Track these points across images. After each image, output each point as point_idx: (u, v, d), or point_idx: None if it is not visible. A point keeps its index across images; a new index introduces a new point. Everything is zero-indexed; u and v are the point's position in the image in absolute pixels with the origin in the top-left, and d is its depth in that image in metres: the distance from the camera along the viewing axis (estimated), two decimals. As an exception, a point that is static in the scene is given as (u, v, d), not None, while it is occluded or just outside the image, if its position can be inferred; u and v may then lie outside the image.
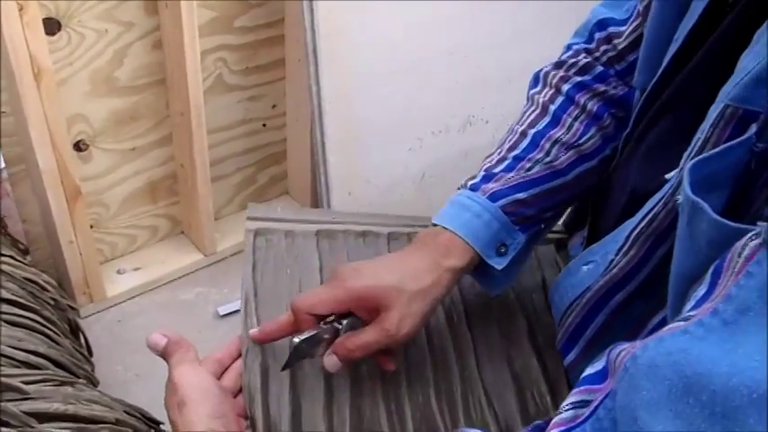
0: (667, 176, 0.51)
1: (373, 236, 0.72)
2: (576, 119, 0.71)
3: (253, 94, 1.52)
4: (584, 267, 0.62)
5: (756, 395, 0.30)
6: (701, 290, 0.38)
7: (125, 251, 1.53)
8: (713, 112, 0.46)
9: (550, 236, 0.86)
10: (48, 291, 1.08)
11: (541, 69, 0.76)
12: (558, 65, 0.75)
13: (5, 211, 1.34)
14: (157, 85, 1.37)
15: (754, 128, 0.43)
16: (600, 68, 0.72)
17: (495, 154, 0.72)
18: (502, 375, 0.72)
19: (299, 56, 1.45)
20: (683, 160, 0.50)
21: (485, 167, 0.70)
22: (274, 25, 1.46)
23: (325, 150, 1.44)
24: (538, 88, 0.75)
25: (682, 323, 0.36)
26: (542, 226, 0.72)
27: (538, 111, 0.73)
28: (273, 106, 1.57)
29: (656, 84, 0.59)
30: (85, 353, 1.12)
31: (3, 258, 1.03)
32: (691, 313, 0.36)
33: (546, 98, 0.73)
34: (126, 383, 1.30)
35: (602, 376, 0.41)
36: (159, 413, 1.09)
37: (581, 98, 0.71)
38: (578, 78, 0.72)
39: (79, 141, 1.32)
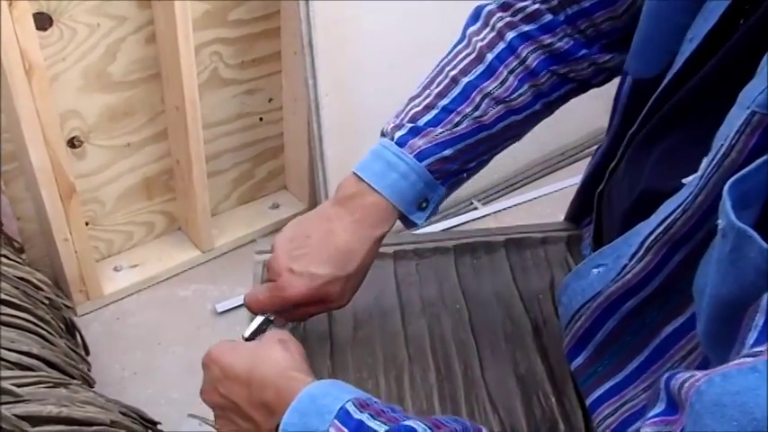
0: (685, 181, 0.50)
1: (378, 257, 0.71)
2: (511, 72, 0.69)
3: (249, 88, 1.50)
4: (595, 270, 0.60)
5: None
6: (761, 319, 0.36)
7: (122, 248, 1.51)
8: (737, 118, 0.44)
9: (561, 234, 0.85)
10: (42, 290, 1.06)
11: (484, 6, 0.73)
12: (505, 6, 0.70)
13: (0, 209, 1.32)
14: (151, 80, 1.35)
15: None
16: (549, 17, 0.68)
17: (423, 97, 0.71)
18: (506, 378, 0.71)
19: (294, 48, 1.43)
20: (703, 165, 0.48)
21: (411, 114, 0.70)
22: (270, 18, 1.44)
23: (323, 144, 1.43)
24: (476, 27, 0.72)
25: (749, 359, 0.35)
26: (464, 175, 0.73)
27: (473, 56, 0.70)
28: (270, 100, 1.56)
29: (670, 84, 0.57)
30: (81, 352, 1.11)
31: (-4, 257, 1.02)
32: (758, 348, 0.35)
33: (484, 42, 0.70)
34: (123, 381, 1.29)
35: (671, 409, 0.40)
36: (156, 412, 1.08)
37: (523, 50, 0.69)
38: (525, 27, 0.69)
39: (73, 138, 1.31)
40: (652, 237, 0.53)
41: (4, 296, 0.93)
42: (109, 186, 1.41)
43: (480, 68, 0.69)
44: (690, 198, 0.49)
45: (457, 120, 0.68)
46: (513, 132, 0.73)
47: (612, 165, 0.66)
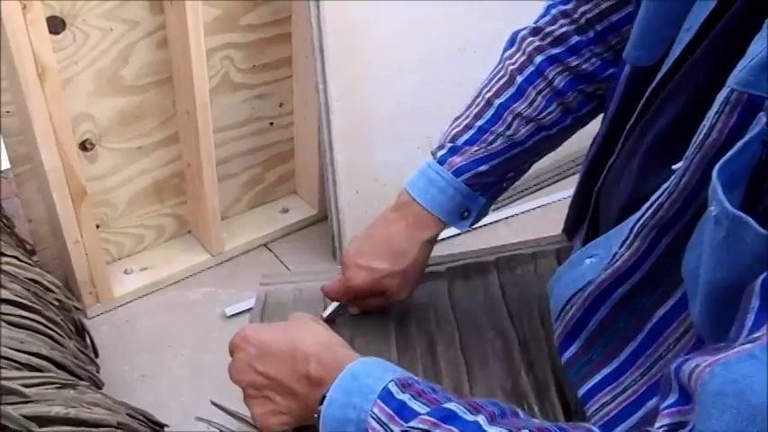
0: (675, 167, 0.50)
1: None
2: (539, 93, 0.74)
3: (259, 93, 1.51)
4: (587, 261, 0.61)
5: None
6: (756, 302, 0.37)
7: (132, 251, 1.52)
8: (719, 97, 0.45)
9: (551, 247, 0.86)
10: (52, 291, 1.07)
11: (519, 31, 0.78)
12: (535, 31, 0.76)
13: (12, 211, 1.33)
14: (163, 84, 1.36)
15: (763, 118, 0.42)
16: (575, 39, 0.73)
17: (463, 118, 0.77)
18: (493, 393, 0.72)
19: (305, 53, 1.44)
20: (690, 148, 0.48)
21: (452, 134, 0.77)
22: (281, 23, 1.45)
23: (333, 149, 1.43)
24: (510, 51, 0.77)
25: (748, 345, 0.35)
26: (503, 185, 0.79)
27: (505, 79, 0.76)
28: (280, 105, 1.56)
29: (667, 73, 0.57)
30: (90, 354, 1.11)
31: (7, 259, 1.03)
32: (756, 334, 0.36)
33: (515, 66, 0.75)
34: (132, 384, 1.29)
35: (684, 399, 0.41)
36: (164, 414, 1.08)
37: (550, 72, 0.73)
38: (553, 51, 0.73)
39: (85, 141, 1.32)
40: (640, 222, 0.53)
41: (14, 297, 0.94)
42: (120, 189, 1.42)
43: (511, 91, 0.75)
44: (675, 181, 0.50)
45: (491, 138, 0.75)
46: (547, 145, 0.78)
47: (612, 160, 0.66)
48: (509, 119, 0.74)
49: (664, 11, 0.59)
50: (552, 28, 0.74)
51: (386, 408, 0.51)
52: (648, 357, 0.57)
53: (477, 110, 0.77)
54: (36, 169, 1.26)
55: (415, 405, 0.51)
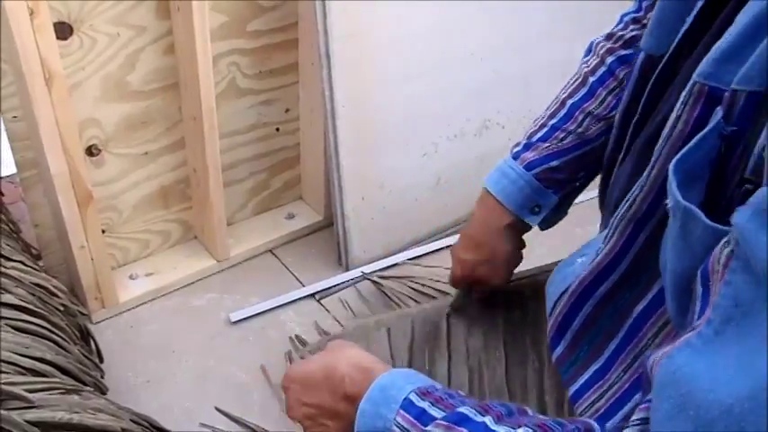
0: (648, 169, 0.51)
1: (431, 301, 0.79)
2: (610, 92, 0.77)
3: (266, 99, 1.51)
4: (579, 260, 0.63)
5: (725, 409, 0.31)
6: (699, 290, 0.39)
7: (137, 256, 1.52)
8: (685, 89, 0.46)
9: None
10: (58, 296, 1.07)
11: (595, 39, 0.82)
12: (609, 36, 0.79)
13: (18, 216, 1.34)
14: (169, 90, 1.36)
15: (720, 112, 0.42)
16: None
17: (540, 118, 0.81)
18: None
19: (312, 59, 1.44)
20: (659, 141, 0.49)
21: (528, 133, 0.81)
22: (288, 29, 1.45)
23: (339, 155, 1.43)
24: (587, 57, 0.81)
25: (689, 334, 0.37)
26: (577, 184, 0.82)
27: (579, 81, 0.80)
28: (287, 110, 1.56)
29: (666, 65, 0.57)
30: (95, 359, 1.11)
31: (13, 263, 1.03)
32: (697, 321, 0.37)
33: (588, 68, 0.79)
34: (137, 390, 1.29)
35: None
36: (169, 420, 1.08)
37: (620, 72, 0.76)
38: (622, 52, 0.76)
39: (91, 146, 1.32)
40: (618, 217, 0.54)
41: (20, 302, 0.94)
42: (126, 194, 1.42)
43: (583, 91, 0.79)
44: (646, 174, 0.50)
45: (562, 136, 0.79)
46: None
47: (620, 156, 0.66)
48: (580, 117, 0.78)
49: (677, 1, 0.59)
50: (624, 32, 0.77)
51: (408, 416, 0.54)
52: (629, 353, 0.58)
53: (551, 110, 0.81)
54: (42, 174, 1.26)
55: (434, 411, 0.53)
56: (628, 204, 0.53)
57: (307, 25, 1.42)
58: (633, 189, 0.52)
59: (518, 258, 0.88)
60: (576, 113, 0.79)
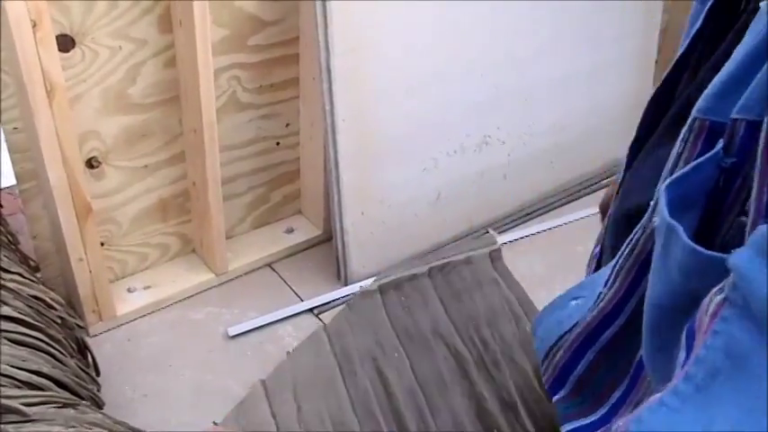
0: (652, 203, 0.49)
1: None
2: None
3: (266, 113, 1.51)
4: (573, 302, 0.60)
5: None
6: (682, 354, 0.35)
7: (135, 269, 1.52)
8: (686, 126, 0.45)
9: (483, 250, 0.84)
10: (55, 309, 1.06)
11: None
12: None
13: (16, 228, 1.33)
14: (170, 103, 1.36)
15: (720, 143, 0.41)
16: None
17: None
18: (460, 420, 0.70)
19: (313, 74, 1.44)
20: (660, 180, 0.47)
21: None
22: (288, 44, 1.46)
23: (339, 169, 1.43)
24: None
25: (664, 391, 0.33)
26: None
27: None
28: (287, 125, 1.56)
29: (660, 92, 0.57)
30: (92, 373, 1.10)
31: (11, 275, 1.02)
32: (673, 381, 0.34)
33: None
34: (133, 403, 1.28)
35: None
36: (165, 436, 1.07)
37: None
38: None
39: (91, 158, 1.32)
40: (620, 260, 0.52)
41: (17, 314, 0.93)
42: (125, 207, 1.42)
43: None
44: (648, 215, 0.48)
45: None
46: None
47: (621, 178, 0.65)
48: None
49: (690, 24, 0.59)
50: None
51: None
52: (630, 404, 0.56)
53: None
54: (42, 186, 1.26)
55: None
56: (630, 247, 0.51)
57: (307, 40, 1.43)
58: (636, 230, 0.50)
59: None
60: None
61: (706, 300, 0.33)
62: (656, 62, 1.98)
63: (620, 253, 0.52)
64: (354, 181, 1.46)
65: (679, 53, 0.55)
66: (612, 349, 0.57)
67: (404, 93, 1.45)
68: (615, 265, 0.53)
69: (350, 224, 1.49)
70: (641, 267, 0.50)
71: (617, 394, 0.57)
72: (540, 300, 0.86)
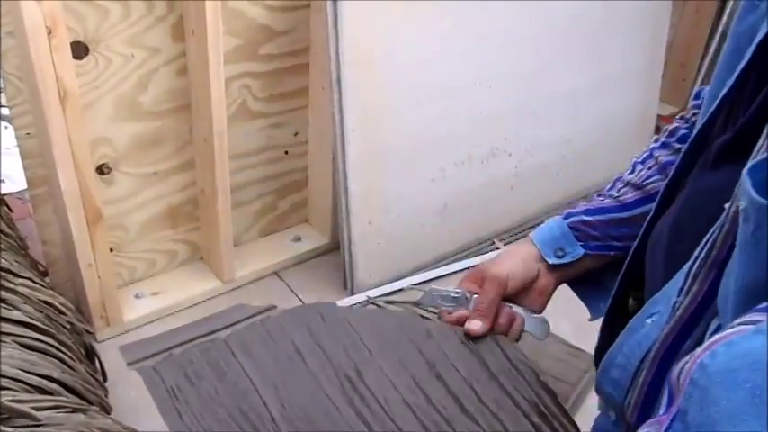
0: (726, 206, 0.48)
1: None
2: (647, 168, 0.83)
3: (276, 122, 1.52)
4: (649, 320, 0.58)
5: None
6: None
7: (144, 275, 1.52)
8: None
9: None
10: (64, 314, 1.07)
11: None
12: (664, 130, 0.85)
13: (26, 233, 1.34)
14: (180, 111, 1.37)
15: None
16: (683, 131, 0.81)
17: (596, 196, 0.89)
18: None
19: (323, 84, 1.45)
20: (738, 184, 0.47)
21: (582, 203, 0.88)
22: (299, 53, 1.47)
23: (347, 179, 1.44)
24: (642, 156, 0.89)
25: (749, 326, 0.34)
26: (611, 253, 0.83)
27: (630, 169, 0.87)
28: (296, 134, 1.57)
29: (705, 127, 0.57)
30: (99, 378, 1.11)
31: (21, 280, 1.03)
32: (757, 317, 0.34)
33: (639, 159, 0.86)
34: (140, 410, 1.28)
35: (666, 408, 0.38)
36: (172, 442, 1.07)
37: (659, 154, 0.82)
38: (664, 139, 0.83)
39: (102, 165, 1.33)
40: (696, 264, 0.51)
41: (27, 319, 0.94)
42: (134, 213, 1.43)
43: (628, 170, 0.87)
44: (724, 214, 0.48)
45: (600, 198, 0.86)
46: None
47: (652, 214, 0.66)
48: (619, 186, 0.85)
49: (719, 75, 0.60)
50: (669, 126, 0.84)
51: None
52: None
53: (605, 189, 0.88)
54: (53, 191, 1.27)
55: None
56: (707, 249, 0.49)
57: (318, 51, 1.44)
58: (711, 231, 0.49)
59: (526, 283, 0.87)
60: (617, 184, 0.86)
61: None
62: (663, 76, 1.99)
63: (693, 258, 0.51)
64: (362, 190, 1.46)
65: (723, 92, 0.55)
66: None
67: (413, 104, 1.46)
68: (690, 271, 0.52)
69: (357, 233, 1.50)
70: (720, 269, 0.49)
71: None
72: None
